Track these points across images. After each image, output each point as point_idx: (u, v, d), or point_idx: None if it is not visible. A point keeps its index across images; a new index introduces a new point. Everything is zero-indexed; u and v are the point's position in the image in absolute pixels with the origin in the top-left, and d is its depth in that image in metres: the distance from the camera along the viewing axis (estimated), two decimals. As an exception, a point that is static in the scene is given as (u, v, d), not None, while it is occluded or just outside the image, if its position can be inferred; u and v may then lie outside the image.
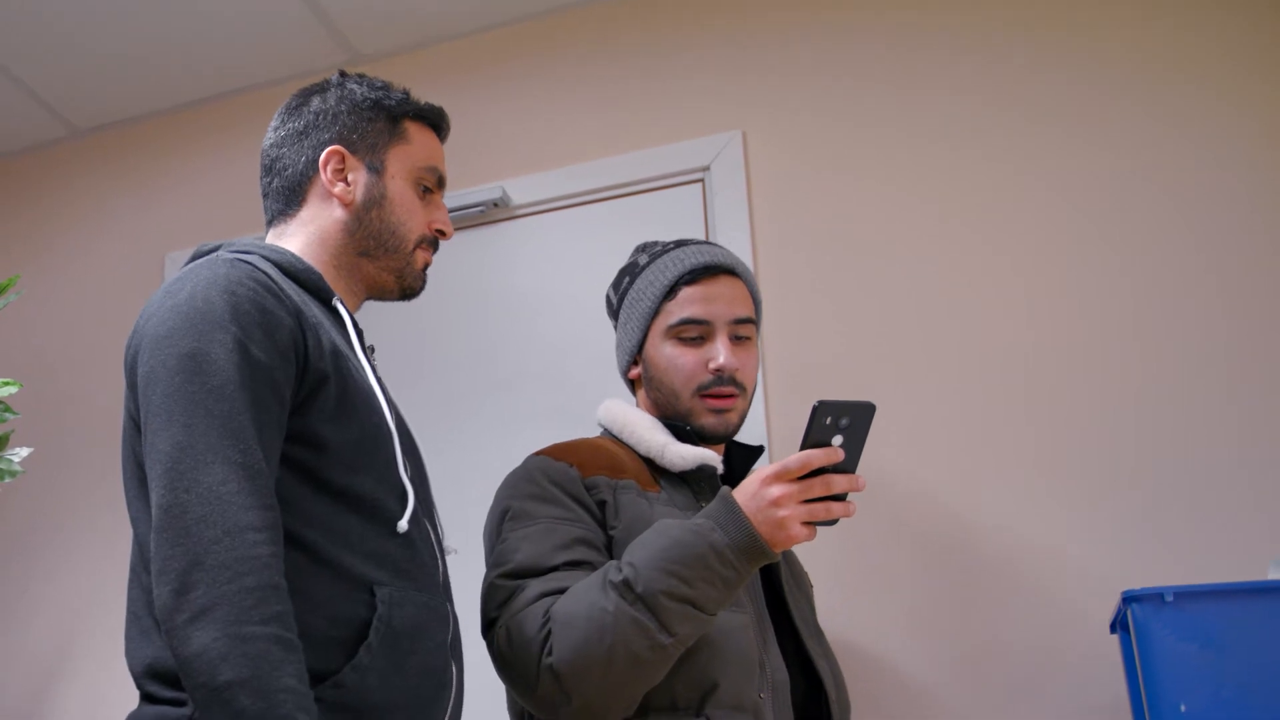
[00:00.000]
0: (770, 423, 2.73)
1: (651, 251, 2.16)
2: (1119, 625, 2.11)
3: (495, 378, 3.07)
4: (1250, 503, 2.38)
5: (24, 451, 2.92)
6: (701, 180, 2.99)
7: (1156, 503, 2.43)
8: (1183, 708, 1.86)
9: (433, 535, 1.72)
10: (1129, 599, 1.93)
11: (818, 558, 2.38)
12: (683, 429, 2.05)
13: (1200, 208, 2.54)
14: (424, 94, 1.92)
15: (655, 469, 2.04)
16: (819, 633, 2.10)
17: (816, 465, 1.68)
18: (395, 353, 2.98)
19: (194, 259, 1.71)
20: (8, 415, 2.88)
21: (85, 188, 3.80)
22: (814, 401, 1.65)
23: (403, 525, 1.62)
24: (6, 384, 2.89)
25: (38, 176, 3.88)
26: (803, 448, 1.68)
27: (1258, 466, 2.39)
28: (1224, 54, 2.60)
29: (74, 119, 3.73)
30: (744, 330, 2.07)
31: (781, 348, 2.72)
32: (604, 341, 2.83)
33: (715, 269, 2.08)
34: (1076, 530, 2.47)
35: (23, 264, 3.75)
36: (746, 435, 2.37)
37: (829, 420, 1.66)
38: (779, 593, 2.03)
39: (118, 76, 3.53)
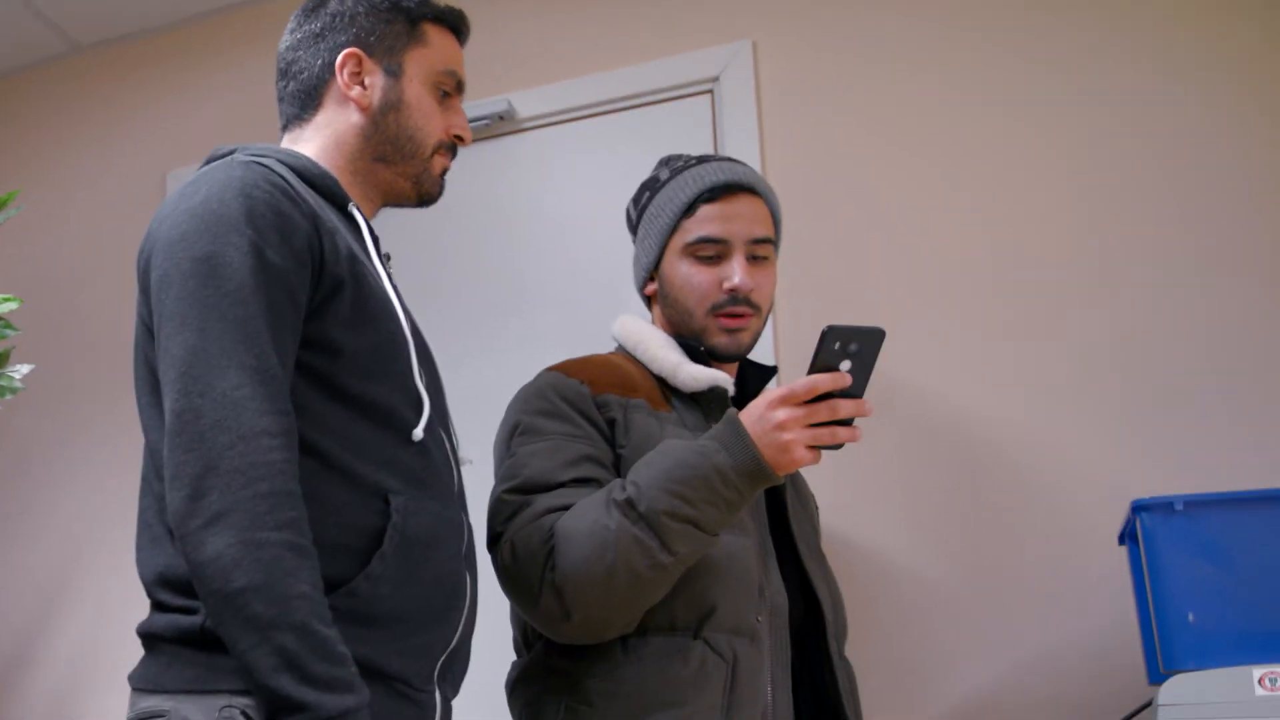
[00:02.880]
0: (778, 338, 2.72)
1: (673, 166, 2.12)
2: (1128, 536, 2.12)
3: (504, 291, 3.06)
4: (1264, 410, 2.37)
5: (25, 368, 2.91)
6: (711, 91, 2.96)
7: (1167, 411, 2.43)
8: (1191, 617, 1.88)
9: (448, 444, 1.71)
10: (1138, 508, 1.94)
11: (821, 470, 2.38)
12: (696, 348, 2.03)
13: (1214, 113, 2.53)
14: (431, 4, 1.88)
15: (667, 388, 2.02)
16: (821, 556, 2.10)
17: (823, 390, 1.67)
18: (400, 266, 2.96)
19: (209, 161, 1.68)
20: (8, 331, 2.86)
21: (87, 105, 3.76)
22: (823, 326, 1.64)
23: (418, 433, 1.60)
24: (7, 300, 2.87)
25: (39, 94, 3.84)
26: (810, 372, 1.67)
27: (1273, 372, 2.38)
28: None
29: (75, 34, 3.69)
30: (762, 250, 2.04)
31: (789, 263, 2.69)
32: (613, 255, 2.83)
33: (736, 187, 2.05)
34: (1085, 441, 2.47)
35: (24, 182, 3.72)
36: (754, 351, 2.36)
37: (837, 345, 1.65)
38: (783, 514, 2.03)
39: (120, -10, 3.49)
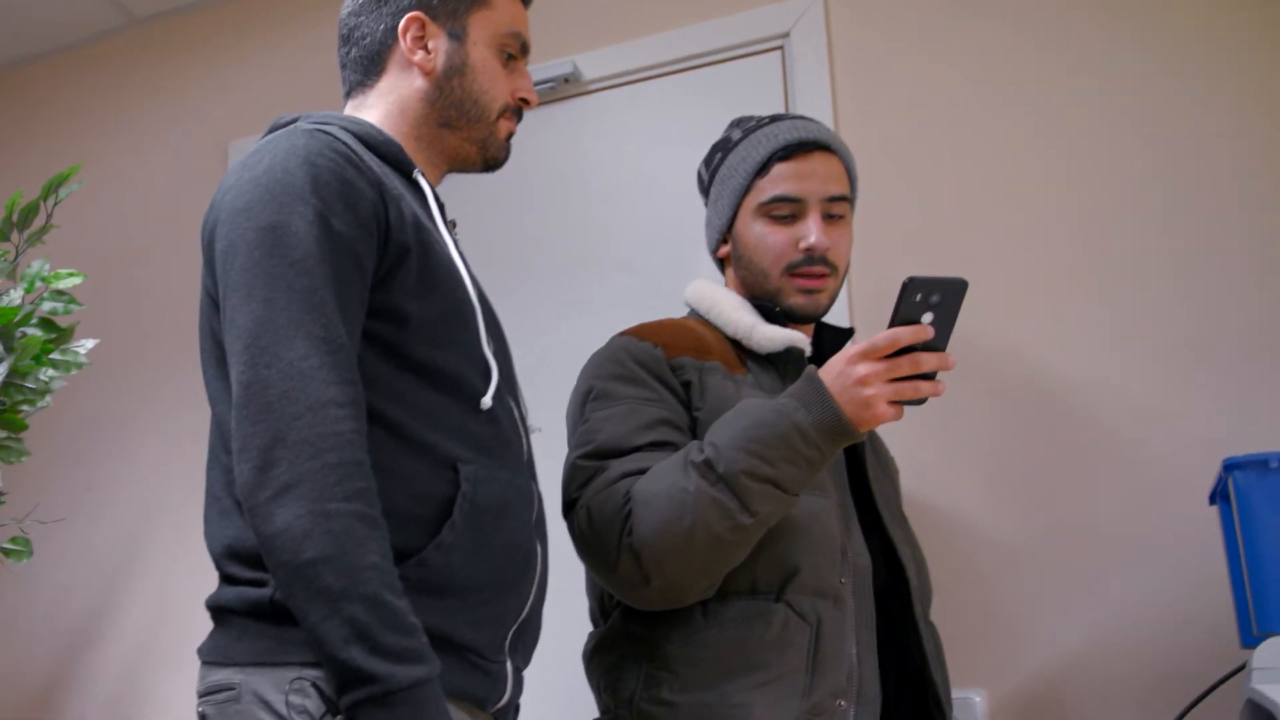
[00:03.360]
0: (852, 300, 2.68)
1: (745, 126, 2.09)
2: (1219, 495, 2.07)
3: (573, 257, 3.04)
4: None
5: (90, 343, 2.91)
6: (781, 48, 2.90)
7: (1261, 365, 2.37)
8: (1287, 580, 1.84)
9: (516, 412, 1.69)
10: (1230, 466, 1.91)
11: (906, 426, 2.33)
12: (771, 309, 2.00)
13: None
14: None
15: (742, 351, 2.00)
16: (903, 518, 2.07)
17: (905, 343, 1.63)
18: (466, 232, 2.94)
19: (271, 131, 1.67)
20: (73, 306, 2.86)
21: (146, 77, 3.77)
22: (904, 278, 1.60)
23: (486, 401, 1.59)
24: (70, 275, 2.87)
25: (98, 68, 3.86)
26: (891, 325, 1.64)
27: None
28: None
29: (133, 7, 3.70)
30: (838, 209, 2.00)
31: (862, 222, 2.65)
32: (682, 219, 2.81)
33: (810, 145, 2.01)
34: (1175, 396, 2.41)
35: (85, 156, 3.75)
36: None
37: (919, 297, 1.61)
38: (863, 476, 2.00)
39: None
